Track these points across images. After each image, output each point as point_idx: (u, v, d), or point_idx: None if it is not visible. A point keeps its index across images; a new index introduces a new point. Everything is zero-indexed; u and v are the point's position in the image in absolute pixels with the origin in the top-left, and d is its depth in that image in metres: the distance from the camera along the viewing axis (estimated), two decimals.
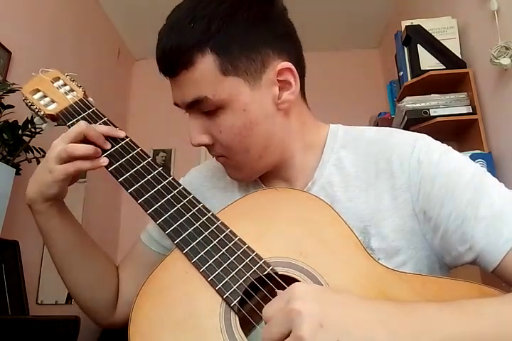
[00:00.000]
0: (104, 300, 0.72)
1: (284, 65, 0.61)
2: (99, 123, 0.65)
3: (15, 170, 1.51)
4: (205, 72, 0.58)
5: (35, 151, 1.71)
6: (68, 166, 0.60)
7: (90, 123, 0.64)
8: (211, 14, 0.58)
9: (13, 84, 1.49)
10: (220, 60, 0.58)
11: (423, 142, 0.61)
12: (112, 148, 0.63)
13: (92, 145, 0.61)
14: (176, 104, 0.64)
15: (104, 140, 0.63)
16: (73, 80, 0.71)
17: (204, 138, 0.62)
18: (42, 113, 0.67)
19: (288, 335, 0.41)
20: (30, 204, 0.65)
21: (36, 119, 0.68)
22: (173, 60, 0.59)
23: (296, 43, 0.66)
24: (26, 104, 0.68)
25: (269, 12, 0.62)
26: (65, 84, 0.70)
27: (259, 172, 0.67)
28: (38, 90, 0.68)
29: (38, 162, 1.71)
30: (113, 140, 0.63)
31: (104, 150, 0.62)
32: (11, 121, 1.57)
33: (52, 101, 0.68)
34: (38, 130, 1.63)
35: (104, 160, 0.61)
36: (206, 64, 0.58)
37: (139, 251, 0.75)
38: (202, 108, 0.60)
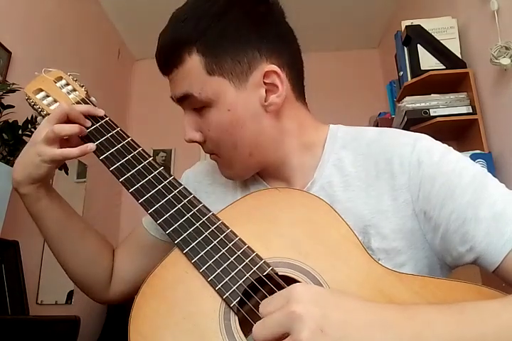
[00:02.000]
0: (98, 277, 0.74)
1: (270, 67, 0.61)
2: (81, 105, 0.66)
3: None
4: (192, 71, 0.60)
5: None
6: (55, 152, 0.62)
7: (92, 123, 0.65)
8: (202, 12, 0.60)
9: (13, 84, 1.49)
10: (205, 60, 0.60)
11: (423, 142, 0.61)
12: (92, 126, 0.65)
13: (77, 124, 0.63)
14: (172, 99, 0.66)
15: (84, 119, 0.65)
16: (76, 80, 0.71)
17: (196, 135, 0.64)
18: (45, 112, 0.67)
19: (282, 335, 0.41)
20: (16, 188, 0.66)
21: (39, 119, 0.69)
22: (165, 59, 0.63)
23: (290, 46, 0.66)
24: (29, 104, 0.68)
25: (263, 13, 0.63)
26: (67, 84, 0.70)
27: (251, 170, 0.68)
28: (41, 90, 0.69)
29: None
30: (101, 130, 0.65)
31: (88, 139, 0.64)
32: (11, 121, 1.57)
33: (55, 101, 0.68)
34: None
35: (91, 147, 0.63)
36: (193, 63, 0.60)
37: (138, 234, 0.77)
38: (190, 104, 0.63)
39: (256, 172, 0.69)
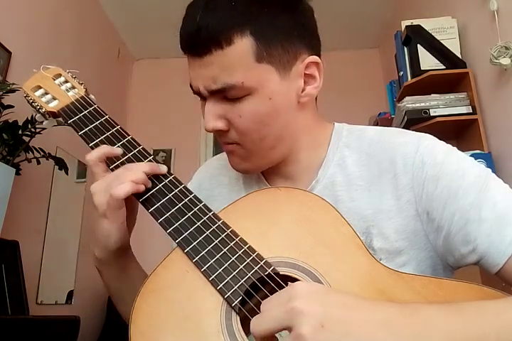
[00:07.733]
0: None
1: (313, 58, 0.61)
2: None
3: (15, 170, 1.51)
4: (241, 56, 0.56)
5: (35, 151, 1.71)
6: (112, 192, 0.55)
7: (91, 121, 0.63)
8: None
9: (13, 84, 1.49)
10: (257, 45, 0.56)
11: (427, 142, 0.61)
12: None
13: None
14: (191, 86, 0.61)
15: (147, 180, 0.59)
16: (75, 77, 0.71)
17: (219, 123, 0.60)
18: (43, 110, 0.66)
19: (276, 332, 0.41)
20: (97, 267, 0.63)
21: (37, 116, 0.68)
22: (209, 38, 0.55)
23: (320, 45, 0.67)
24: (28, 101, 0.67)
25: (305, 8, 0.64)
26: (66, 81, 0.69)
27: (266, 164, 0.66)
28: (40, 87, 0.68)
29: (38, 162, 1.71)
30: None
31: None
32: (11, 121, 1.58)
33: (54, 99, 0.67)
34: (38, 130, 1.63)
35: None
36: (244, 46, 0.56)
37: None
38: (228, 95, 0.58)
39: (268, 167, 0.67)
